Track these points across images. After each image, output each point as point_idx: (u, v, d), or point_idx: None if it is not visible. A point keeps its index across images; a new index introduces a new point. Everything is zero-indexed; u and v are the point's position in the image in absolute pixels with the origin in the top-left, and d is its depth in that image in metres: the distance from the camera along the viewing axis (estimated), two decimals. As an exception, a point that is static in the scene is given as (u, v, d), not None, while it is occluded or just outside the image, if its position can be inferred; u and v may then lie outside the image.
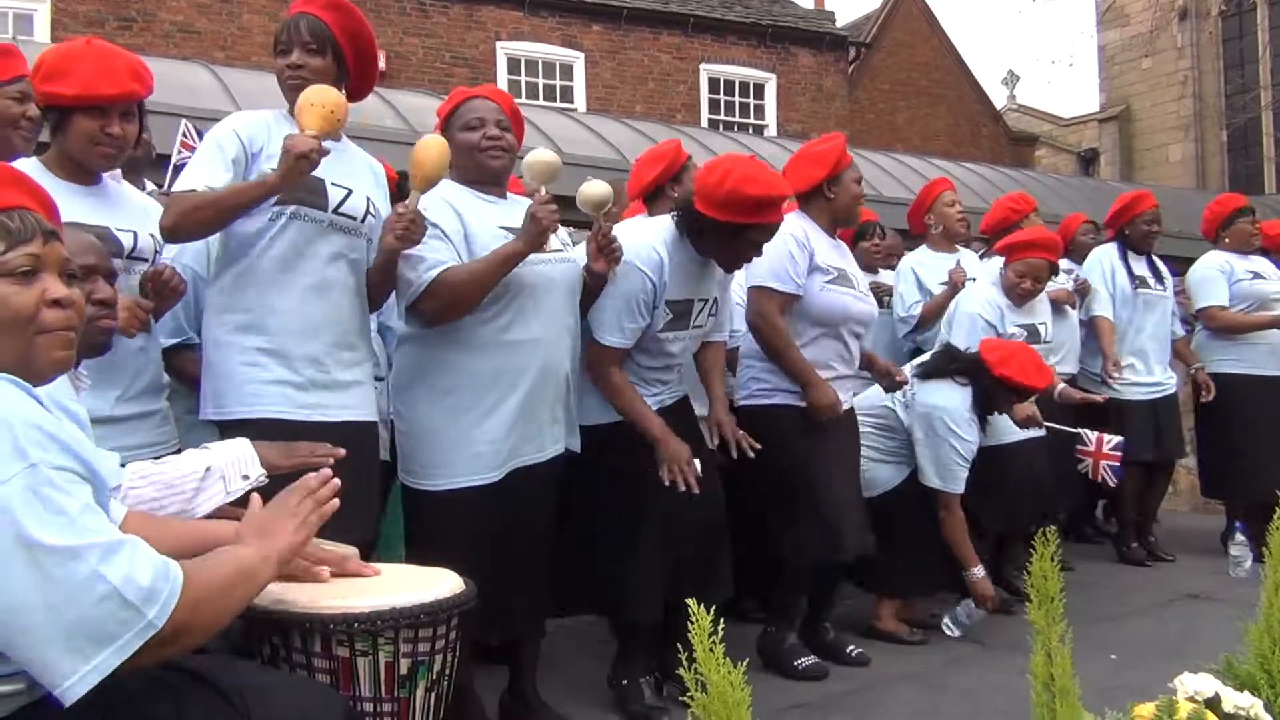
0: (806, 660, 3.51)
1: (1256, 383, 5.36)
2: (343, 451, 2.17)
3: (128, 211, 2.55)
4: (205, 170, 2.47)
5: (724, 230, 3.02)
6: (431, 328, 2.74)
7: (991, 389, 3.84)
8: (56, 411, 1.42)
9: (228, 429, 2.47)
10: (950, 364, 3.93)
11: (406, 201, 2.55)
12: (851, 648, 3.71)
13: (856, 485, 3.61)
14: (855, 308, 3.61)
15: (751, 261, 3.20)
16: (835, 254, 3.63)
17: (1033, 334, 4.42)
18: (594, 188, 2.96)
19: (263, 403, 2.49)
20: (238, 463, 2.03)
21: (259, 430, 2.40)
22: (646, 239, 3.05)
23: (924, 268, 4.83)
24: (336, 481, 1.71)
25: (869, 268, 3.97)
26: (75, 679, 1.26)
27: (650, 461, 2.99)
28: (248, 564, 1.52)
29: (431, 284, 2.65)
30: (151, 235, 2.55)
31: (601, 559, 3.07)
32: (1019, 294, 4.40)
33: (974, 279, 4.70)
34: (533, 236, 2.68)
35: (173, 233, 2.46)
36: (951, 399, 3.85)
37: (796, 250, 3.44)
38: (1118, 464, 4.60)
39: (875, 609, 4.04)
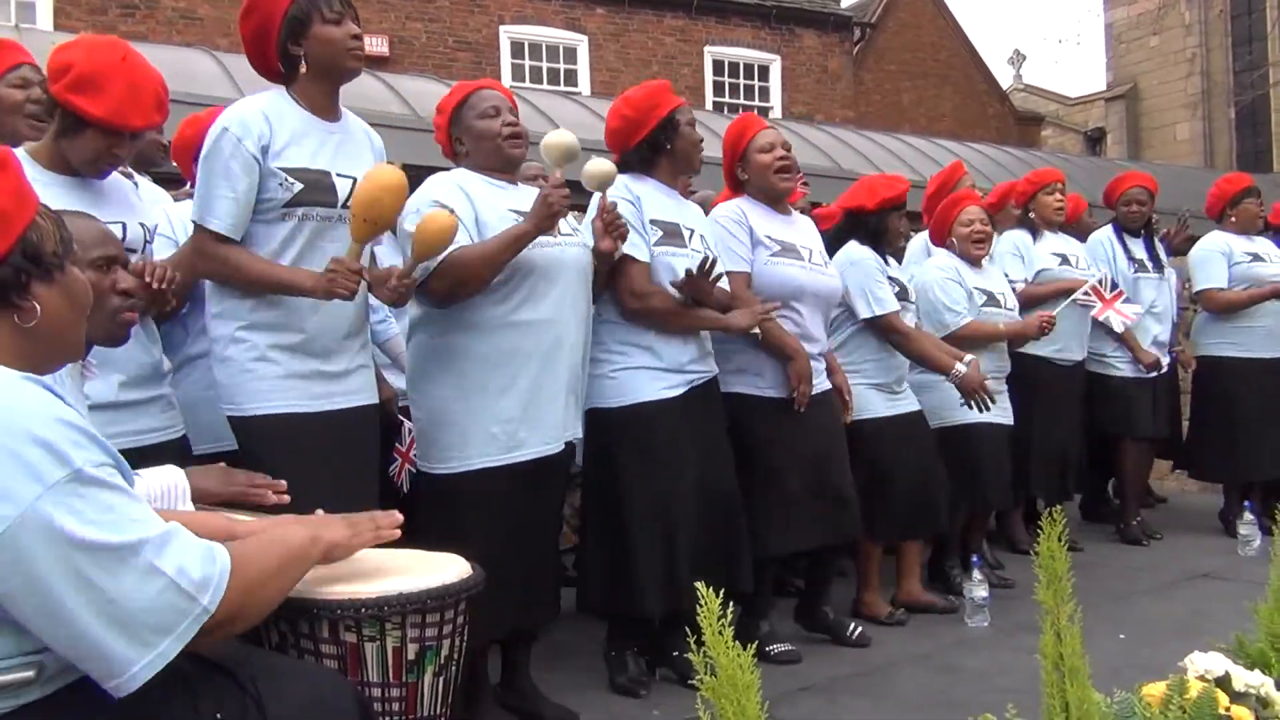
0: (780, 647, 3.45)
1: (1252, 365, 5.35)
2: (283, 484, 2.12)
3: (116, 203, 2.47)
4: (227, 206, 2.44)
5: (655, 139, 3.22)
6: (442, 307, 2.76)
7: (873, 222, 4.01)
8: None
9: (240, 424, 2.49)
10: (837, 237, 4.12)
11: (405, 267, 2.56)
12: (853, 628, 3.70)
13: (829, 469, 3.49)
14: (807, 280, 3.52)
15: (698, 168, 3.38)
16: (782, 227, 3.56)
17: (992, 300, 4.39)
18: (598, 165, 2.97)
19: (277, 398, 2.48)
20: (165, 495, 1.95)
21: (272, 425, 2.45)
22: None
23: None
24: (399, 518, 1.80)
25: None
26: (139, 666, 1.29)
27: (643, 452, 3.02)
28: (296, 544, 1.56)
29: (441, 263, 2.65)
30: (141, 225, 2.49)
31: (602, 551, 3.08)
32: (977, 239, 4.37)
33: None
34: (541, 219, 2.68)
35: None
36: (859, 251, 3.98)
37: (732, 226, 3.46)
38: (1126, 316, 4.71)
39: (861, 592, 4.01)
